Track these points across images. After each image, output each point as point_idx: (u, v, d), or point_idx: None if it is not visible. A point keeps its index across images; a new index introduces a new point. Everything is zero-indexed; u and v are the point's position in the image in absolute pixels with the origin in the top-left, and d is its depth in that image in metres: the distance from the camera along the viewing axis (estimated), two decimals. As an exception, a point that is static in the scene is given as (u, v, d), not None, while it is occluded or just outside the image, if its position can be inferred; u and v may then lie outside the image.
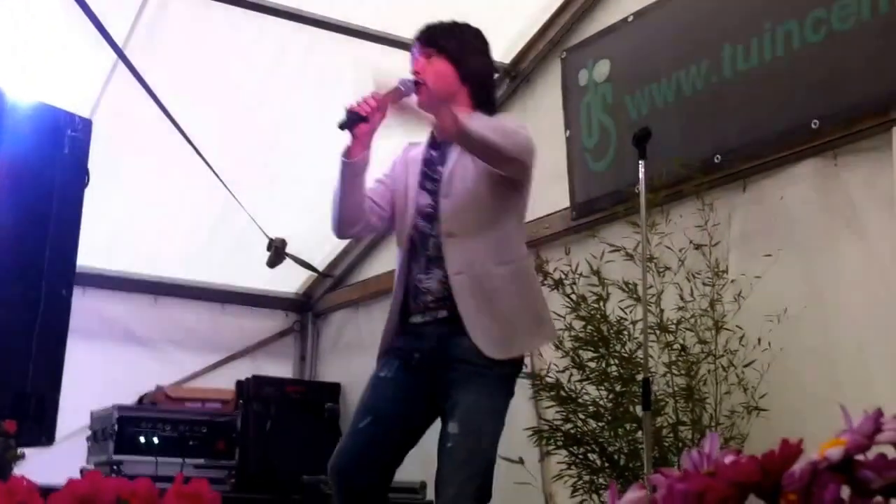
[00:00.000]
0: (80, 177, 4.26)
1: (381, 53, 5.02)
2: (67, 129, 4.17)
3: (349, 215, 3.32)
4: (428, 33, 3.33)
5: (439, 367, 3.17)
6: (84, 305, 5.03)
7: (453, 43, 3.30)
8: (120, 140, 4.98)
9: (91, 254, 4.71)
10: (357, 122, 3.11)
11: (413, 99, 3.19)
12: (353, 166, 3.19)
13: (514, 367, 3.24)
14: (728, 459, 1.04)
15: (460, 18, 3.23)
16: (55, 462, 4.78)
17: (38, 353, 4.04)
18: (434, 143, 3.35)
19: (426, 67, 3.26)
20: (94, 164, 4.27)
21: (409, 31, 4.91)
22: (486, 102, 3.36)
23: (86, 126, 4.26)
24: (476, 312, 3.12)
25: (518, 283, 3.23)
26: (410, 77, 3.24)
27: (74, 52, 4.74)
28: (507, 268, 3.21)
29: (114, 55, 4.75)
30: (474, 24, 3.41)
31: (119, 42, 4.75)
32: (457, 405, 3.09)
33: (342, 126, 3.13)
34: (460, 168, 3.24)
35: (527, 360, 4.33)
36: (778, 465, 1.03)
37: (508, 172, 3.18)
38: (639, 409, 3.53)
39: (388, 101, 3.13)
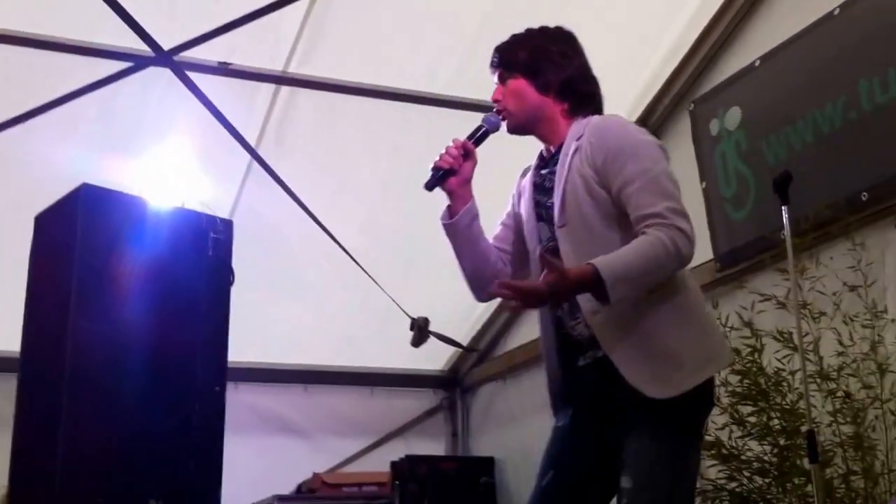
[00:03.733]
0: (225, 276, 4.37)
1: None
2: (210, 232, 4.30)
3: (477, 276, 3.02)
4: (496, 55, 3.00)
5: (605, 414, 2.81)
6: (237, 399, 5.14)
7: (523, 55, 2.95)
8: (261, 236, 5.11)
9: (241, 349, 4.79)
10: (444, 177, 2.89)
11: (503, 130, 2.95)
12: (456, 225, 2.94)
13: (686, 402, 2.71)
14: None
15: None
16: (220, 557, 4.88)
17: (197, 449, 4.14)
18: (541, 163, 3.01)
19: (503, 92, 2.95)
20: (237, 262, 4.39)
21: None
22: (584, 104, 2.94)
23: (227, 227, 4.38)
24: (625, 351, 2.71)
25: (668, 306, 2.74)
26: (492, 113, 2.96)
27: (210, 157, 4.92)
28: (650, 294, 2.71)
29: (248, 156, 4.91)
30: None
31: (252, 142, 4.91)
32: (626, 455, 2.70)
33: (428, 186, 2.92)
34: (570, 188, 2.82)
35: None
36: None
37: None
38: (806, 462, 3.40)
39: (472, 145, 2.91)
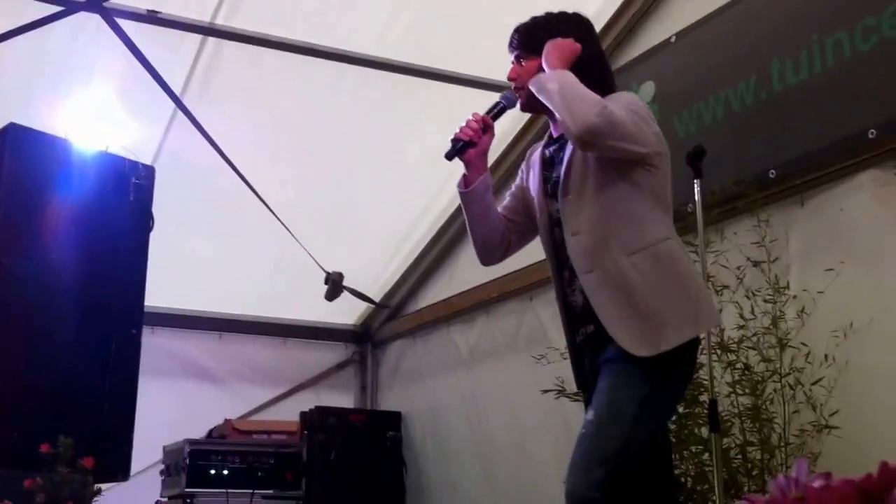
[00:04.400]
0: (145, 221, 4.40)
1: (426, 87, 5.11)
2: (132, 177, 4.32)
3: (486, 242, 3.20)
4: (515, 35, 3.14)
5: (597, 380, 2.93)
6: (153, 344, 5.18)
7: (542, 37, 3.07)
8: (182, 184, 5.10)
9: (158, 294, 4.82)
10: (463, 148, 3.04)
11: (518, 107, 3.13)
12: (471, 194, 3.11)
13: (667, 360, 2.82)
14: (817, 483, 1.00)
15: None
16: (131, 497, 4.94)
17: (112, 391, 4.18)
18: (551, 141, 3.14)
19: (519, 71, 3.10)
20: (158, 208, 4.40)
21: (452, 64, 5.09)
22: (596, 88, 2.97)
23: (149, 173, 4.40)
24: (614, 310, 2.85)
25: (657, 268, 2.87)
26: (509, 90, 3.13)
27: (136, 103, 4.88)
28: (639, 255, 2.86)
29: (172, 104, 4.89)
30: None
31: (177, 91, 4.89)
32: (597, 391, 2.84)
33: (448, 156, 3.06)
34: (577, 160, 2.97)
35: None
36: (879, 488, 0.95)
37: (599, 153, 2.88)
38: (704, 431, 3.48)
39: (491, 120, 3.07)
